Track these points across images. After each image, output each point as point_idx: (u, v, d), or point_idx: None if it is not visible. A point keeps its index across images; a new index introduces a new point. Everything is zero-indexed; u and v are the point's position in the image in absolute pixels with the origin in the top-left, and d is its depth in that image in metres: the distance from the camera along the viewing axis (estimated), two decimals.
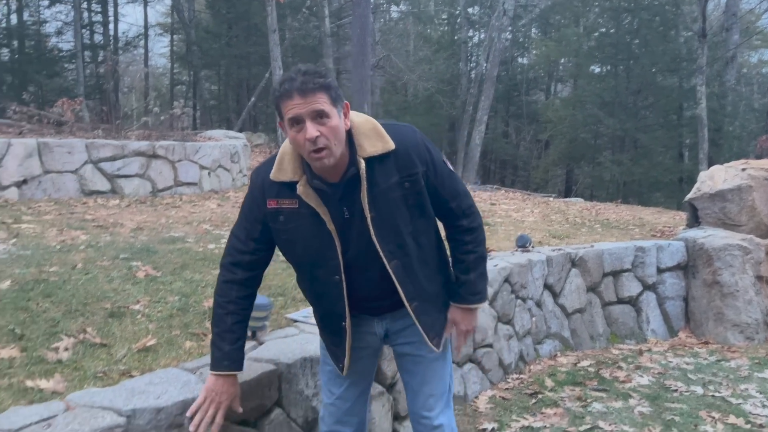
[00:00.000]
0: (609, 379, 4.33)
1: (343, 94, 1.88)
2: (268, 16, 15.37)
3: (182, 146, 8.02)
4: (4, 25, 20.90)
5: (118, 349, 2.62)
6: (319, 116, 1.77)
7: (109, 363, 2.49)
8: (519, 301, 4.64)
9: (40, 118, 9.24)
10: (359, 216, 1.92)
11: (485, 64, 24.62)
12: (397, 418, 3.25)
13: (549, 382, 4.22)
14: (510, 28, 24.14)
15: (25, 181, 6.65)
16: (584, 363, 4.66)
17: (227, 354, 2.01)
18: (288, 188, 1.92)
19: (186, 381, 2.23)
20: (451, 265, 2.18)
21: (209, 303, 3.20)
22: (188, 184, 8.02)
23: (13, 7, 20.91)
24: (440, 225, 2.15)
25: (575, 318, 5.25)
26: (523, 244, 5.22)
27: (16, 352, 2.48)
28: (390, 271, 1.98)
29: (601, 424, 3.53)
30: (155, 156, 7.67)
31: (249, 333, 2.78)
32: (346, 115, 1.88)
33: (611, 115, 21.00)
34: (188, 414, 2.02)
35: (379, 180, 1.90)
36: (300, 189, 1.89)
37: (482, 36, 27.42)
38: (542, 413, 3.72)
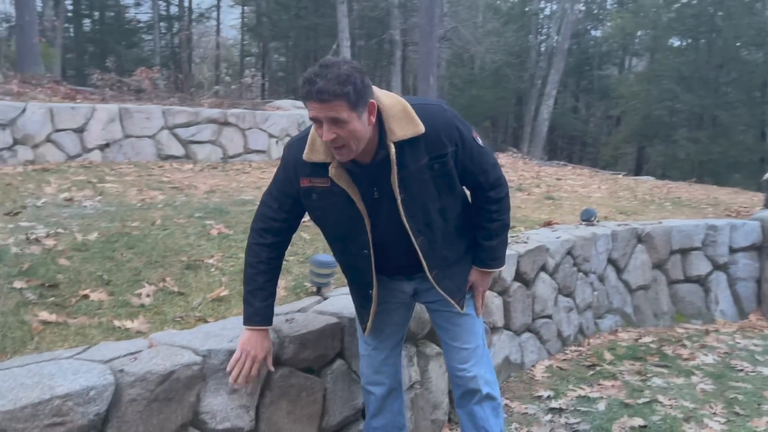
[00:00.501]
0: (671, 356, 4.27)
1: (369, 92, 1.84)
2: None
3: (252, 115, 8.24)
4: None
5: (194, 297, 2.81)
6: (336, 122, 1.80)
7: (186, 309, 2.68)
8: (581, 274, 4.62)
9: (121, 86, 9.67)
10: (389, 196, 2.00)
11: (556, 37, 23.97)
12: None
13: (608, 356, 4.20)
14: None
15: (107, 145, 7.03)
16: (646, 339, 4.61)
17: (258, 310, 2.12)
18: (320, 168, 1.98)
19: None
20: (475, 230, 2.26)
21: None
22: (257, 151, 8.26)
23: None
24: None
25: (639, 294, 5.17)
26: (587, 217, 5.16)
27: (105, 296, 2.70)
28: (416, 246, 2.08)
29: (660, 398, 3.51)
30: (226, 123, 7.93)
31: (314, 289, 2.94)
32: (371, 113, 1.87)
33: (689, 91, 20.13)
34: (228, 369, 2.14)
35: (408, 162, 1.95)
36: (332, 171, 1.96)
37: (554, 7, 26.65)
38: (600, 384, 3.72)
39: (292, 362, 2.39)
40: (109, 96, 8.65)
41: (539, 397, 3.57)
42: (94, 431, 1.86)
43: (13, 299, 2.54)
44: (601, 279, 4.88)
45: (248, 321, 2.14)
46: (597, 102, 28.10)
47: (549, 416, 3.34)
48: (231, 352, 2.18)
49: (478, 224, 2.23)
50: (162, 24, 22.71)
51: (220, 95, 10.82)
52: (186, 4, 24.32)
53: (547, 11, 28.37)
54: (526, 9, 27.46)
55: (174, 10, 24.32)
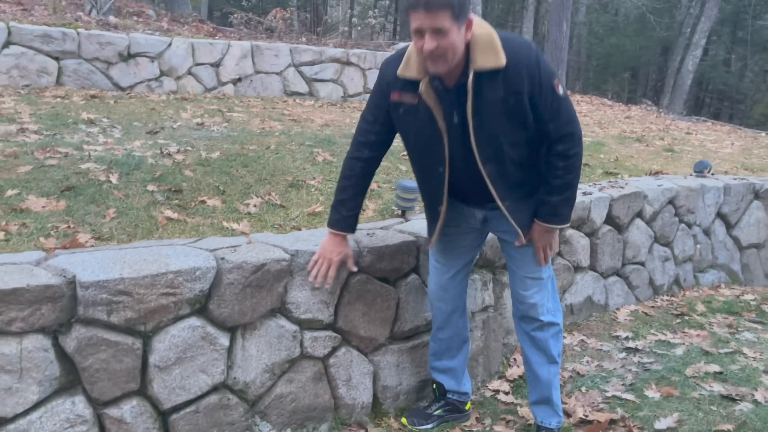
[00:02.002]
0: None
1: (469, 8, 2.00)
2: None
3: (373, 55, 8.50)
4: None
5: (293, 210, 3.17)
6: (439, 32, 1.93)
7: (285, 220, 3.04)
8: (683, 225, 4.51)
9: (255, 24, 10.28)
10: (463, 121, 2.13)
11: None
12: None
13: (701, 307, 4.14)
14: None
15: (239, 79, 7.62)
16: (747, 297, 4.45)
17: (344, 218, 2.36)
18: (411, 85, 2.13)
19: None
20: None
21: (373, 186, 3.63)
22: None
23: None
24: None
25: (750, 252, 4.95)
26: (700, 169, 4.97)
27: (219, 203, 3.13)
28: (484, 174, 2.19)
29: (745, 350, 3.45)
30: (348, 63, 8.26)
31: (399, 212, 3.20)
32: (468, 29, 2.00)
33: None
34: (308, 269, 2.42)
35: (485, 92, 2.06)
36: (422, 87, 2.10)
37: None
38: (684, 332, 3.72)
39: (369, 270, 2.68)
40: (244, 34, 9.26)
41: (617, 336, 3.64)
42: (198, 304, 2.26)
43: (146, 198, 3.02)
44: (707, 233, 4.73)
45: (332, 225, 2.39)
46: (753, 55, 25.47)
47: (623, 354, 3.43)
48: (314, 254, 2.50)
49: (543, 178, 2.26)
50: None
51: (348, 36, 11.16)
52: None
53: None
54: None
55: None
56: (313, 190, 3.50)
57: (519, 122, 2.13)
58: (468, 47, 2.05)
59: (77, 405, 2.05)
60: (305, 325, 2.54)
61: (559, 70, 15.19)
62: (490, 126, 2.12)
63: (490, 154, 2.18)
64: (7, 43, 6.31)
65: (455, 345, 2.69)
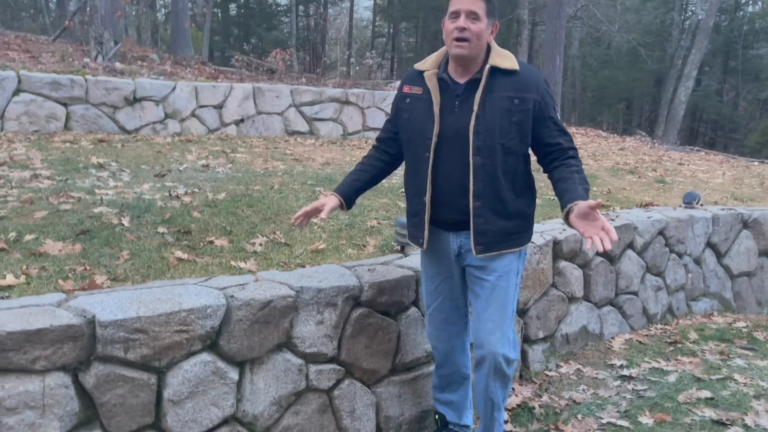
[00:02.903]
0: (762, 340, 4.23)
1: (497, 14, 2.36)
2: None
3: (371, 94, 8.76)
4: None
5: (297, 248, 3.31)
6: (473, 16, 2.25)
7: (289, 257, 3.19)
8: (673, 255, 4.65)
9: (257, 66, 10.58)
10: (467, 110, 2.32)
11: (701, 14, 22.37)
12: (526, 340, 3.61)
13: (693, 335, 4.25)
14: None
15: (242, 120, 7.86)
16: (739, 324, 4.57)
17: (345, 186, 2.59)
18: (421, 76, 2.41)
19: (342, 274, 2.82)
20: (555, 185, 2.36)
21: (373, 223, 3.80)
22: (375, 129, 8.77)
23: None
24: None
25: (741, 281, 5.08)
26: (689, 200, 5.13)
27: (226, 243, 3.28)
28: (471, 163, 2.30)
29: (736, 376, 3.56)
30: (347, 102, 8.50)
31: (398, 247, 3.34)
32: (492, 32, 2.33)
33: None
34: (294, 217, 2.60)
35: (495, 88, 2.31)
36: (427, 74, 2.39)
37: None
38: (677, 359, 3.83)
39: (370, 304, 2.81)
40: (246, 76, 9.55)
41: (612, 365, 3.75)
42: (209, 340, 2.40)
43: (157, 240, 3.17)
44: (698, 262, 4.87)
45: (334, 189, 2.61)
46: (746, 84, 25.92)
47: (618, 382, 3.53)
48: (319, 290, 2.64)
49: (563, 177, 2.30)
50: (300, 7, 23.95)
51: (346, 75, 11.46)
52: None
53: None
54: None
55: None
56: (316, 228, 3.65)
57: (518, 129, 2.31)
58: (488, 51, 2.34)
59: None
60: (310, 358, 2.66)
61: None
62: (491, 119, 2.30)
63: (482, 146, 2.30)
64: (17, 91, 6.55)
65: (456, 381, 2.77)
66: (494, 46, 2.36)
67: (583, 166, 2.37)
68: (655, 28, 23.76)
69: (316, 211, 2.54)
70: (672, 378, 3.53)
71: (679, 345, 4.08)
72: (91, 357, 2.16)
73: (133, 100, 7.20)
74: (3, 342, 2.00)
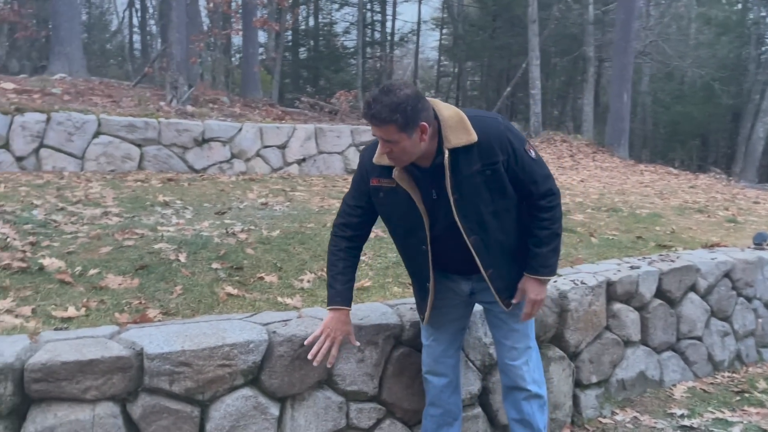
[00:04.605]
0: None
1: (422, 115, 2.12)
2: (529, 7, 15.64)
3: None
4: (303, 27, 24.42)
5: None
6: (388, 141, 2.14)
7: None
8: (741, 299, 4.42)
9: (320, 107, 10.91)
10: (445, 198, 2.27)
11: None
12: (578, 385, 3.50)
13: (762, 384, 3.99)
14: None
15: (303, 159, 8.10)
16: None
17: (339, 292, 2.43)
18: (387, 171, 2.28)
19: (384, 312, 2.85)
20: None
21: None
22: None
23: (311, 10, 24.35)
24: None
25: None
26: (759, 241, 4.88)
27: (275, 279, 3.37)
28: (469, 244, 2.31)
29: None
30: None
31: None
32: (423, 132, 2.15)
33: None
34: (306, 343, 2.45)
35: (462, 167, 2.22)
36: (395, 173, 2.26)
37: None
38: (743, 410, 3.60)
39: (411, 343, 2.81)
40: (310, 117, 9.86)
41: (672, 414, 3.57)
42: (251, 375, 2.46)
43: (210, 276, 3.30)
44: None
45: (331, 302, 2.44)
46: None
47: None
48: (360, 328, 2.66)
49: (530, 231, 2.38)
50: (367, 49, 24.60)
51: None
52: (389, 29, 26.06)
53: None
54: (748, 18, 24.93)
55: (378, 35, 26.21)
56: (363, 265, 3.69)
57: (498, 192, 2.28)
58: (439, 130, 2.21)
59: None
60: (351, 396, 2.68)
61: (622, 139, 15.17)
62: (471, 199, 2.26)
63: (474, 226, 2.30)
64: (97, 133, 7.02)
65: (445, 422, 2.68)
66: (442, 121, 2.21)
67: (556, 212, 2.34)
68: (730, 62, 22.93)
69: (334, 342, 2.43)
70: (736, 429, 3.33)
71: (747, 394, 3.84)
72: (139, 388, 2.26)
73: (202, 141, 7.56)
74: (57, 371, 2.12)
